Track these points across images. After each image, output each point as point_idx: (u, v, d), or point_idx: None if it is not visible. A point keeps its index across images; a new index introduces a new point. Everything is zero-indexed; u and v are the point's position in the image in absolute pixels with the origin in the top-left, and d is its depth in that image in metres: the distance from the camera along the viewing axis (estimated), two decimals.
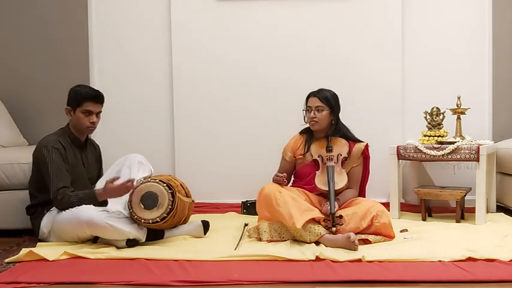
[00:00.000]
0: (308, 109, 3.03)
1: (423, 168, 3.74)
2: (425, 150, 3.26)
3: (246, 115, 3.80)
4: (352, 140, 3.03)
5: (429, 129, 3.42)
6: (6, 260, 2.44)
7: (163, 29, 3.83)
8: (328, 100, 2.99)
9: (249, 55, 3.79)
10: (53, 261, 2.41)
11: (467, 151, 3.16)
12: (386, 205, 3.21)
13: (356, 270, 2.23)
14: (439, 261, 2.32)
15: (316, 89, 3.05)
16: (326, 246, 2.58)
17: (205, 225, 2.88)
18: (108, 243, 2.64)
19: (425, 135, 3.40)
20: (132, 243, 2.62)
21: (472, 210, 3.20)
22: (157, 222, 2.64)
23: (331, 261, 2.34)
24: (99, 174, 3.10)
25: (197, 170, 3.79)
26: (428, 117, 3.43)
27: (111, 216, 2.61)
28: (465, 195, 3.26)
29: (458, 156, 3.19)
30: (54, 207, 2.76)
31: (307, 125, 3.06)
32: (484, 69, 3.77)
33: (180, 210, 2.75)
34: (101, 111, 2.93)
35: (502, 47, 3.80)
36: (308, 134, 3.09)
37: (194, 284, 2.11)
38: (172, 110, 3.84)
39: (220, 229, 2.98)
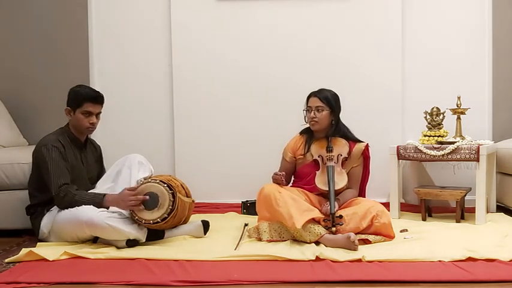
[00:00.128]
0: (308, 109, 3.02)
1: (423, 168, 3.74)
2: (425, 150, 3.26)
3: (246, 115, 3.80)
4: (352, 140, 3.03)
5: (429, 129, 3.42)
6: (6, 260, 2.44)
7: (163, 29, 3.83)
8: (328, 100, 2.99)
9: (249, 55, 3.79)
10: (53, 261, 2.41)
11: (467, 151, 3.16)
12: (387, 205, 3.21)
13: (356, 270, 2.23)
14: (439, 261, 2.32)
15: (316, 89, 3.05)
16: (326, 246, 2.57)
17: (205, 225, 2.88)
18: (108, 243, 2.64)
19: (425, 135, 3.40)
20: (132, 243, 2.62)
21: (472, 210, 3.20)
22: (158, 222, 2.64)
23: (331, 261, 2.34)
24: (100, 174, 3.09)
25: (197, 170, 3.79)
26: (428, 117, 3.43)
27: (111, 217, 2.61)
28: (465, 195, 3.26)
29: (458, 156, 3.19)
30: (54, 207, 2.76)
31: (308, 125, 3.06)
32: (484, 69, 3.77)
33: (181, 210, 2.74)
34: (100, 112, 2.93)
35: (502, 47, 3.80)
36: (308, 134, 3.09)
37: (194, 284, 2.11)
38: (172, 110, 3.84)
39: (220, 229, 2.98)
